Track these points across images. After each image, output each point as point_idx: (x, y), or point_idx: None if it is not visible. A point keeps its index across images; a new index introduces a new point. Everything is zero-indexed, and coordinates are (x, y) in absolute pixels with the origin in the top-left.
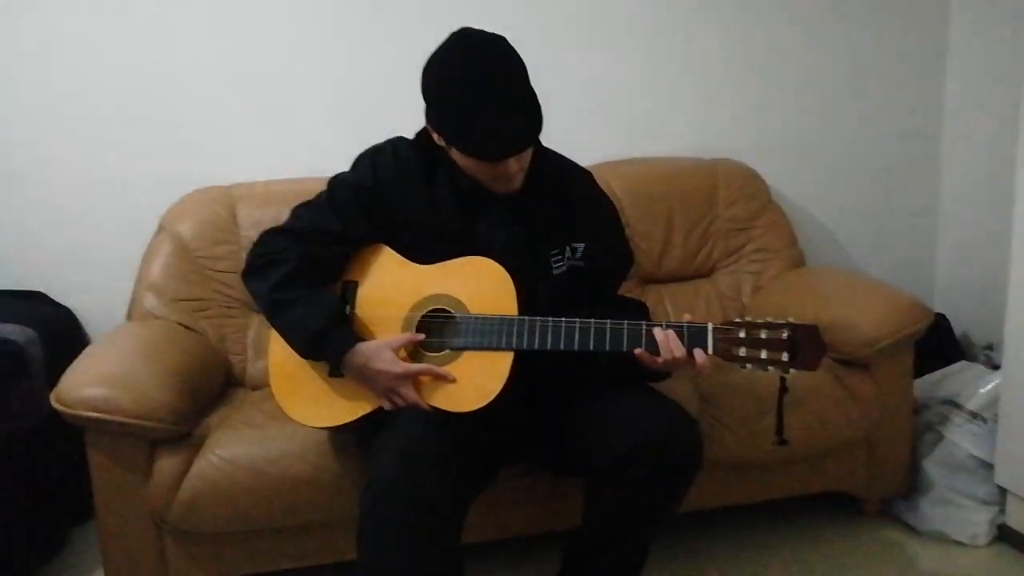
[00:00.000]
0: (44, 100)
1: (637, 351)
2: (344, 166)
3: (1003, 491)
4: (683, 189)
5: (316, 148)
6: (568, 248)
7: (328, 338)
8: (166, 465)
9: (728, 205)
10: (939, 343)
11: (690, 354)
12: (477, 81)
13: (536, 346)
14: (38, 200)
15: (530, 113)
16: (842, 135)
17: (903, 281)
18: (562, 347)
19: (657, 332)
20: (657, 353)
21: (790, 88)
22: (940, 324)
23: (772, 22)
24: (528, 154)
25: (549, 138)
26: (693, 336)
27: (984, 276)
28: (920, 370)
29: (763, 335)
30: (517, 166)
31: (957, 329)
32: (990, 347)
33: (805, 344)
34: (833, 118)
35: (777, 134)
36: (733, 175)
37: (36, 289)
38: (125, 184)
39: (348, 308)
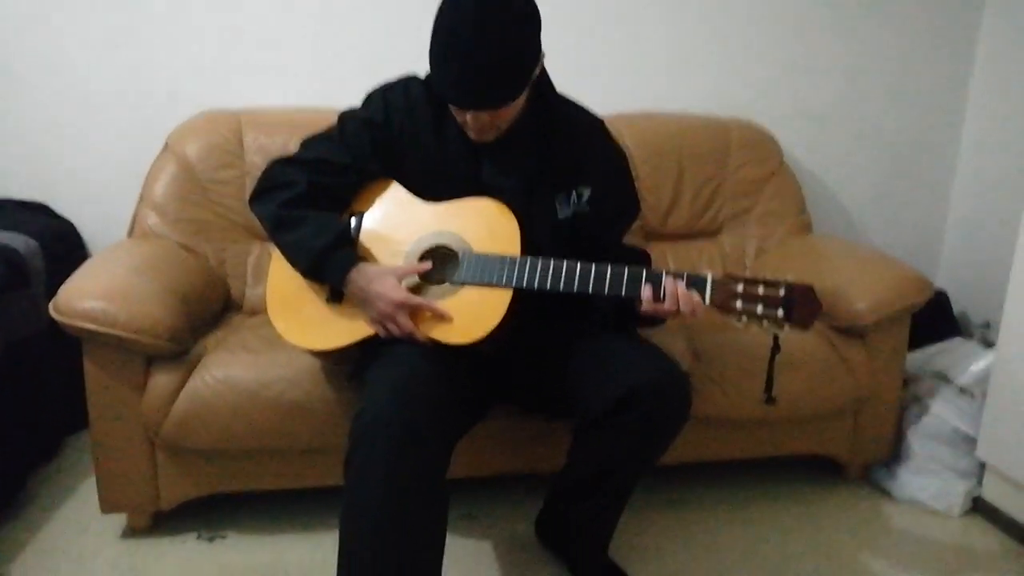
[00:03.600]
0: (54, 10)
1: (643, 295)
2: (354, 99)
3: (982, 465)
4: (696, 146)
5: (326, 79)
6: (575, 193)
7: (332, 257)
8: (161, 381)
9: (739, 166)
10: (937, 319)
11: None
12: (455, 29)
13: (535, 286)
14: (43, 111)
15: (498, 74)
16: (861, 106)
17: (909, 255)
18: (561, 288)
19: (667, 281)
20: (660, 300)
21: (813, 55)
22: (940, 300)
23: None
24: (505, 113)
25: (566, 86)
26: (692, 285)
27: (989, 256)
28: (916, 344)
29: (760, 291)
30: (488, 119)
31: (957, 306)
32: (986, 325)
33: (800, 303)
34: (854, 88)
35: (796, 99)
36: (747, 136)
37: (39, 200)
38: (132, 100)
39: (351, 232)
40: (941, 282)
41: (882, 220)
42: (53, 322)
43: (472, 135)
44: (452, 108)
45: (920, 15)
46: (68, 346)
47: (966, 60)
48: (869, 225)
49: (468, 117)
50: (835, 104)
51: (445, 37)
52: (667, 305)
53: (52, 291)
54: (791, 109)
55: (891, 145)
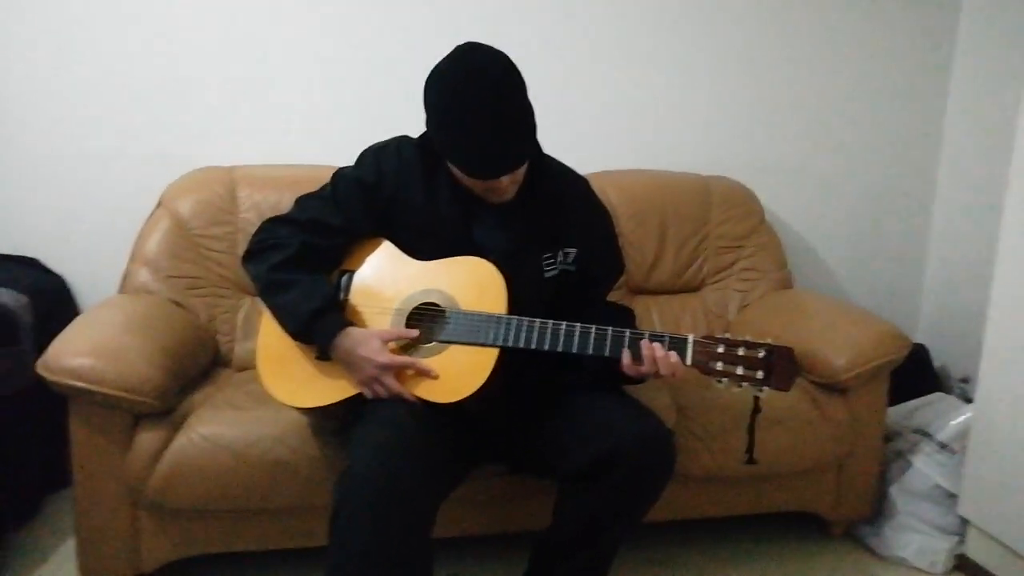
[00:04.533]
0: (47, 69)
1: (623, 359)
2: (345, 158)
3: (965, 522)
4: (678, 203)
5: (319, 138)
6: (561, 253)
7: (320, 321)
8: (147, 439)
9: (721, 222)
10: (917, 373)
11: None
12: (471, 101)
13: (521, 345)
14: (37, 167)
15: (522, 134)
16: (838, 160)
17: (888, 309)
18: (546, 347)
19: (644, 344)
20: (640, 360)
21: (789, 111)
22: (919, 355)
23: (774, 46)
24: (522, 170)
25: (551, 145)
26: (673, 346)
27: (967, 310)
28: (896, 398)
29: (740, 352)
30: (509, 180)
31: (936, 361)
32: (965, 380)
33: (780, 365)
34: (830, 143)
35: (774, 155)
36: (728, 193)
37: (30, 255)
38: (125, 157)
39: (342, 295)
40: (920, 336)
41: (861, 274)
42: (39, 379)
43: (494, 199)
44: (471, 180)
45: (891, 64)
46: (52, 404)
47: (938, 108)
48: (848, 279)
49: (493, 183)
50: (812, 158)
51: (467, 116)
52: (646, 367)
53: (41, 347)
54: (770, 165)
55: (868, 198)
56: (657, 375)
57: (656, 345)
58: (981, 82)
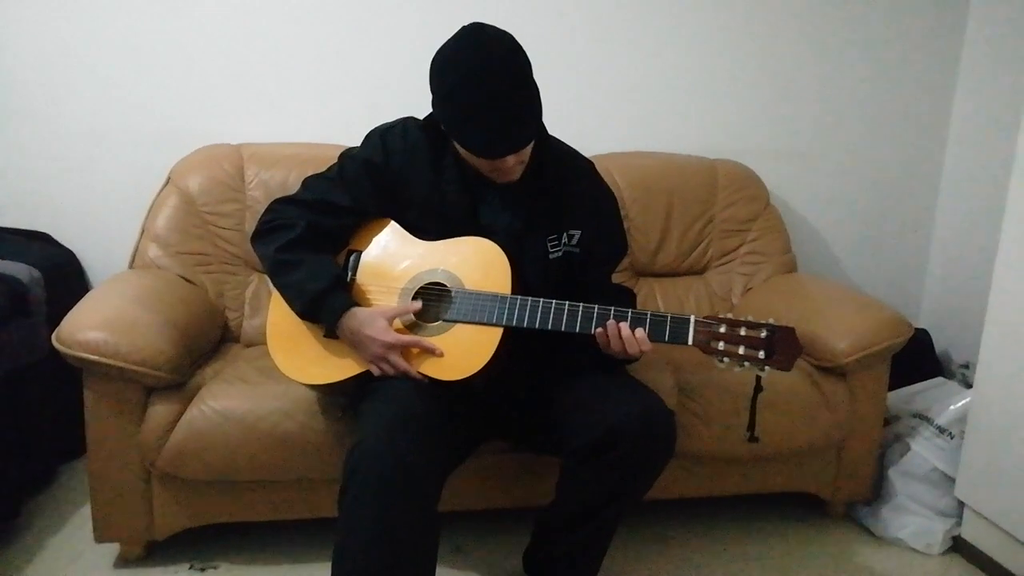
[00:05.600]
0: (59, 45)
1: (597, 331)
2: (352, 138)
3: (961, 504)
4: (684, 186)
5: (326, 117)
6: (565, 235)
7: (326, 301)
8: (159, 411)
9: (727, 206)
10: (919, 358)
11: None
12: (478, 81)
13: (524, 324)
14: (48, 143)
15: (528, 114)
16: (845, 146)
17: (891, 294)
18: (536, 326)
19: (609, 323)
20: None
21: (798, 95)
22: (922, 340)
23: (785, 31)
24: (527, 149)
25: (558, 127)
26: (675, 326)
27: (970, 296)
28: (898, 383)
29: (742, 332)
30: (515, 160)
31: (939, 346)
32: (966, 366)
33: (781, 345)
34: (837, 128)
35: (781, 139)
36: (734, 176)
37: (42, 230)
38: (135, 133)
39: (349, 275)
40: (923, 322)
41: (865, 259)
42: (52, 351)
43: (500, 179)
44: (479, 160)
45: (900, 52)
46: (66, 375)
47: (945, 97)
48: (852, 264)
49: (499, 163)
50: (819, 144)
51: (473, 95)
52: (613, 345)
53: (52, 320)
54: (776, 149)
55: (873, 184)
56: (625, 353)
57: (623, 324)
58: (988, 72)
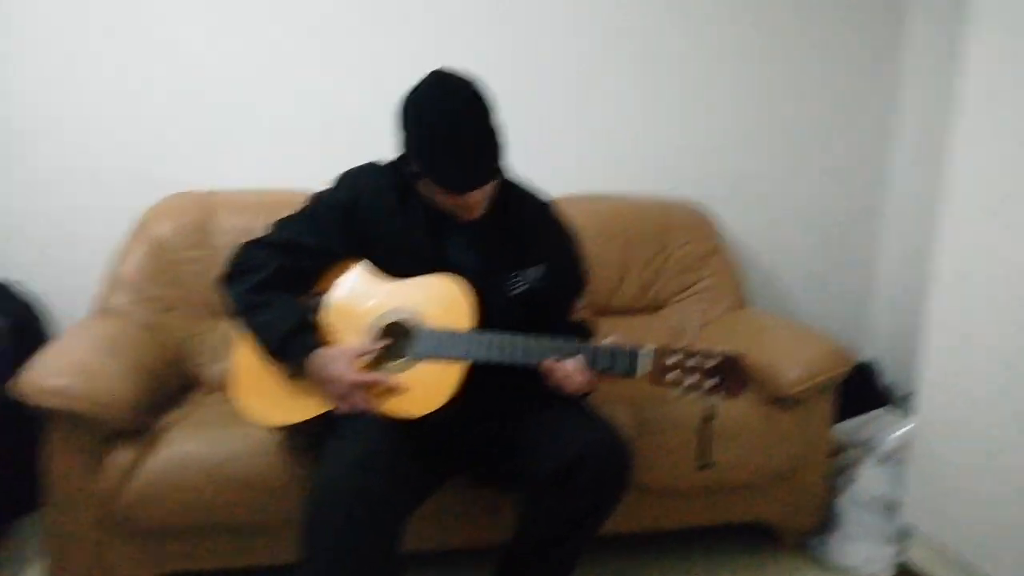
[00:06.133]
0: (26, 86)
1: (543, 365)
2: (320, 183)
3: (906, 530)
4: (640, 227)
5: (296, 162)
6: (527, 271)
7: (293, 341)
8: (119, 457)
9: (681, 245)
10: (866, 390)
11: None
12: (446, 121)
13: (483, 358)
14: (11, 187)
15: (492, 150)
16: (791, 185)
17: (839, 328)
18: (495, 360)
19: (547, 362)
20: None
21: (746, 137)
22: (868, 372)
23: (730, 72)
24: (490, 185)
25: (517, 168)
26: (631, 355)
27: (913, 329)
28: (846, 415)
29: (693, 361)
30: (480, 195)
31: (887, 377)
32: (908, 396)
33: (731, 373)
34: (784, 169)
35: (731, 180)
36: (687, 217)
37: (3, 277)
38: (102, 178)
39: (316, 316)
40: (870, 354)
41: (813, 294)
42: (5, 404)
43: (465, 216)
44: (444, 195)
45: (839, 88)
46: (19, 427)
47: (882, 139)
48: (801, 297)
49: (463, 200)
50: (768, 185)
51: (440, 131)
52: (553, 379)
53: (14, 371)
54: (728, 191)
55: (820, 224)
56: (566, 387)
57: (566, 361)
58: (928, 102)
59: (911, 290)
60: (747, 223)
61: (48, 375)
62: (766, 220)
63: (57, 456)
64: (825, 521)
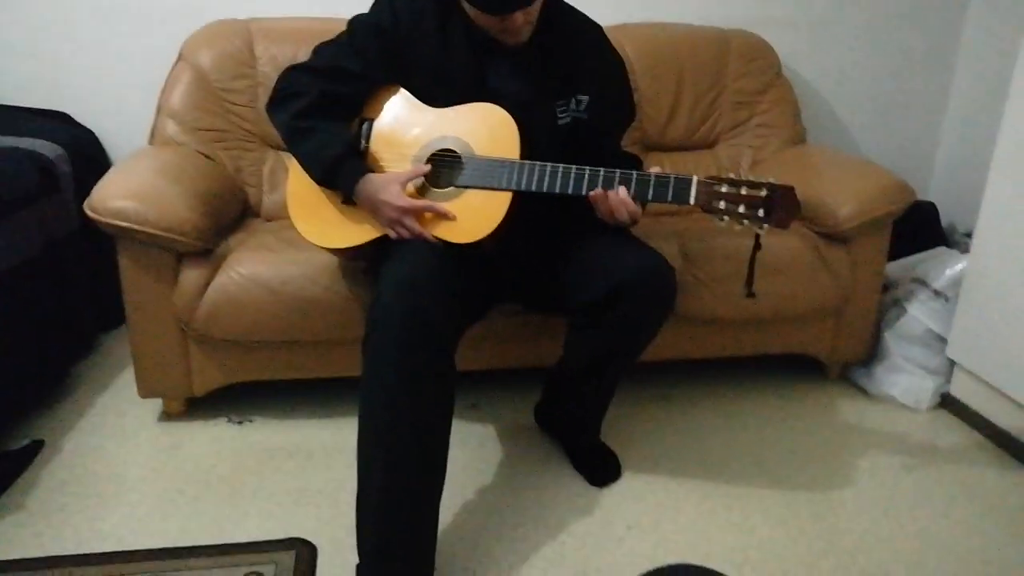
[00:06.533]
0: None
1: (591, 194)
2: (360, 8)
3: (952, 363)
4: (695, 58)
5: None
6: (573, 100)
7: (342, 167)
8: (190, 276)
9: (737, 77)
10: (926, 230)
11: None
12: None
13: (533, 188)
14: (61, 23)
15: None
16: (860, 17)
17: (901, 168)
18: (545, 189)
19: (595, 191)
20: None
21: None
22: (929, 212)
23: None
24: (536, 7)
25: None
26: (678, 185)
27: (978, 171)
28: (903, 254)
29: (743, 191)
30: (523, 19)
31: (945, 219)
32: (969, 235)
33: (780, 203)
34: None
35: (794, 8)
36: (746, 47)
37: (60, 110)
38: (145, 10)
39: (363, 143)
40: (932, 195)
41: (876, 132)
42: (84, 225)
43: (508, 39)
44: (488, 19)
45: None
46: (99, 248)
47: None
48: (863, 137)
49: (518, 16)
50: (832, 14)
51: None
52: (603, 207)
53: (79, 195)
54: (790, 19)
55: (888, 58)
56: (612, 217)
57: (621, 188)
58: None
59: (977, 134)
60: (809, 56)
61: (114, 197)
62: (829, 54)
63: (132, 273)
64: (871, 354)
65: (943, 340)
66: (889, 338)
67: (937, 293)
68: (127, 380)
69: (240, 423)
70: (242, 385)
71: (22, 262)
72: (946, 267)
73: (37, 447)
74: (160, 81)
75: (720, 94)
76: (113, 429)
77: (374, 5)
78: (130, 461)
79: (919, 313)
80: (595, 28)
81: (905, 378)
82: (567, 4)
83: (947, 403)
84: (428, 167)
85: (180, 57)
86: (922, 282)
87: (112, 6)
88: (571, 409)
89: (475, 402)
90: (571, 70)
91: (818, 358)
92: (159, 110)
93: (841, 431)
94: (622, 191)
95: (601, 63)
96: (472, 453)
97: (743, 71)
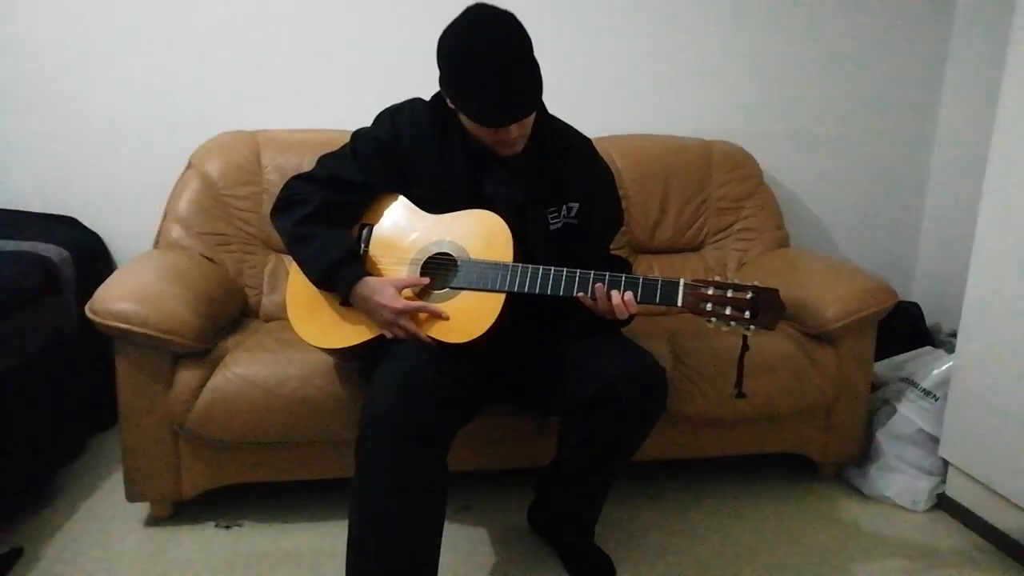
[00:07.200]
0: (81, 34)
1: (579, 295)
2: (362, 121)
3: (945, 463)
4: (680, 166)
5: (338, 102)
6: (564, 207)
7: (340, 270)
8: (186, 377)
9: (721, 184)
10: (911, 331)
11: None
12: (483, 56)
13: (525, 290)
14: (73, 131)
15: (530, 85)
16: (837, 127)
17: (883, 271)
18: (537, 291)
19: (597, 286)
20: (596, 300)
21: (790, 78)
22: (913, 313)
23: (777, 13)
24: (529, 120)
25: (558, 111)
26: (666, 288)
27: (959, 271)
28: (890, 354)
29: (729, 294)
30: (518, 131)
31: (930, 319)
32: (953, 335)
33: (766, 305)
34: (830, 110)
35: (774, 121)
36: (729, 156)
37: (68, 214)
38: (155, 120)
39: (362, 247)
40: (915, 296)
41: (858, 236)
42: (81, 329)
43: (503, 151)
44: (483, 131)
45: (891, 38)
46: (96, 350)
47: (935, 82)
48: (845, 241)
49: (512, 128)
50: (812, 126)
51: (478, 66)
52: (600, 307)
53: (81, 299)
54: (770, 131)
55: (866, 165)
56: (613, 315)
57: (613, 291)
58: (976, 58)
59: (957, 235)
60: (790, 164)
61: (115, 300)
62: (810, 162)
63: (128, 374)
64: (864, 453)
65: (935, 440)
66: (881, 438)
67: (926, 392)
68: (115, 483)
69: (228, 527)
70: (232, 488)
71: (19, 363)
72: (933, 367)
73: (16, 555)
74: (167, 187)
75: (705, 200)
76: (98, 535)
77: (376, 120)
78: (113, 570)
79: (909, 412)
80: (584, 141)
81: (900, 478)
82: (558, 119)
83: (944, 504)
84: (426, 279)
85: (189, 165)
86: (910, 382)
87: (122, 113)
88: (565, 510)
89: (467, 503)
90: (562, 179)
91: (812, 458)
92: (166, 215)
93: (839, 534)
94: (615, 294)
95: (590, 173)
96: (464, 557)
97: (726, 179)
